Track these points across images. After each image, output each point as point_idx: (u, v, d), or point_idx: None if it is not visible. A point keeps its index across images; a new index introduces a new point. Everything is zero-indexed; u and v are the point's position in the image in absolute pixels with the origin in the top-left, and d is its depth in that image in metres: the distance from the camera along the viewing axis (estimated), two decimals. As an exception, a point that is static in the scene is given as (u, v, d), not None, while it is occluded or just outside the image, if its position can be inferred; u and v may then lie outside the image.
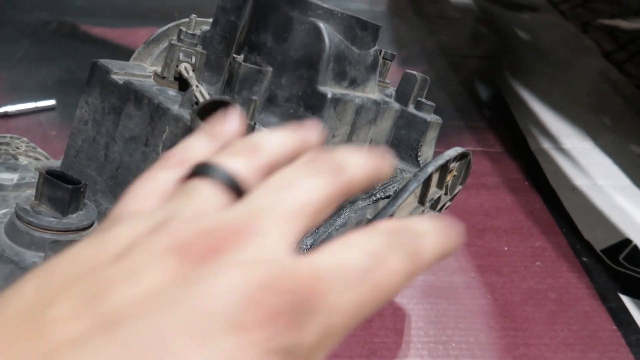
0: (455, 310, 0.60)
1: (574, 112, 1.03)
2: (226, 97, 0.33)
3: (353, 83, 0.46)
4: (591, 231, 0.75)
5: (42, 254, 0.36)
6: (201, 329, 0.14)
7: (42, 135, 0.78)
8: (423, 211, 0.46)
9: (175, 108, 0.39)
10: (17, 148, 0.50)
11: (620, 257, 0.72)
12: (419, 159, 0.57)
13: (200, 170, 0.19)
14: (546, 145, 0.93)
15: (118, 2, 1.26)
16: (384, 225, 0.18)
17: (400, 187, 0.51)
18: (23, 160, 0.48)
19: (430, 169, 0.42)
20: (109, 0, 1.26)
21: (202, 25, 0.51)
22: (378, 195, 0.51)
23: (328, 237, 0.46)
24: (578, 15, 1.54)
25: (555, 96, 1.09)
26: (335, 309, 0.16)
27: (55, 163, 0.49)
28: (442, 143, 0.62)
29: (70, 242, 0.36)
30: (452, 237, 0.20)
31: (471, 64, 1.22)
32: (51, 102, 0.84)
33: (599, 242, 0.73)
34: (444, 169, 0.46)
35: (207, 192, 0.19)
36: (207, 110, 0.34)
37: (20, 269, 0.35)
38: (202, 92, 0.38)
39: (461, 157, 0.49)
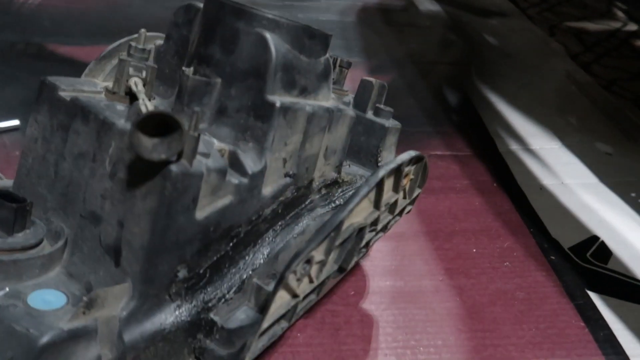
0: (424, 314, 0.60)
1: (541, 114, 1.04)
2: (164, 110, 0.33)
3: (304, 91, 0.46)
4: (559, 229, 0.75)
5: (-14, 275, 0.35)
6: None
7: (6, 156, 0.78)
8: (379, 216, 0.46)
9: (121, 122, 0.39)
10: (-30, 169, 0.49)
11: (588, 254, 0.72)
12: (379, 164, 0.57)
13: None
14: (514, 146, 0.94)
15: (86, 21, 1.25)
16: None
17: (358, 193, 0.51)
18: (-25, 182, 0.47)
19: (382, 173, 0.42)
20: (78, 19, 1.26)
21: (155, 39, 0.51)
22: (337, 202, 0.51)
23: (286, 246, 0.46)
24: (545, 19, 1.57)
25: (523, 98, 1.10)
26: None
27: (9, 183, 0.48)
28: (413, 148, 0.62)
29: (14, 262, 0.35)
30: None
31: (440, 71, 1.24)
32: (15, 122, 0.83)
33: (567, 240, 0.74)
34: (397, 172, 0.46)
35: None
36: (147, 123, 0.34)
37: (-38, 292, 0.34)
38: (147, 105, 0.38)
39: (416, 160, 0.49)
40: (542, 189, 0.84)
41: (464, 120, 1.02)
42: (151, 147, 0.34)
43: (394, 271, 0.66)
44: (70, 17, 1.26)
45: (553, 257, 0.71)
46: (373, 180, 0.41)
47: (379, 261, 0.66)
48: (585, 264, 0.71)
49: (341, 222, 0.39)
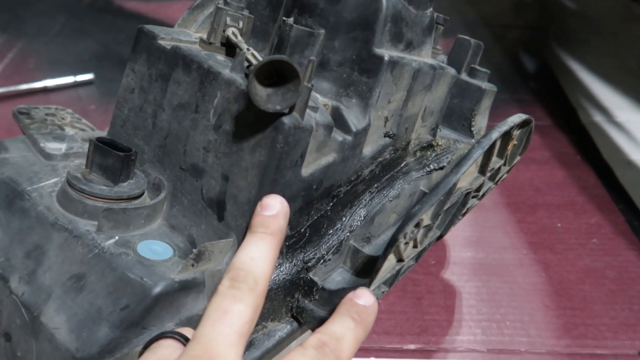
0: (507, 288, 0.57)
1: (626, 83, 0.97)
2: (284, 57, 0.31)
3: (409, 46, 0.43)
4: (650, 208, 0.71)
5: (95, 222, 0.35)
6: None
7: (82, 109, 0.78)
8: (483, 182, 0.43)
9: (226, 72, 0.37)
10: (63, 119, 0.49)
11: (682, 235, 0.68)
12: (472, 129, 0.54)
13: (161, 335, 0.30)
14: (598, 118, 0.88)
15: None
16: (311, 341, 0.29)
17: (454, 157, 0.49)
18: (69, 131, 0.47)
19: (495, 135, 0.39)
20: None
21: (246, -12, 0.48)
22: (432, 166, 0.49)
23: (382, 209, 0.44)
24: (627, -18, 1.45)
25: (606, 67, 1.03)
26: None
27: (101, 134, 0.48)
28: (490, 116, 0.58)
29: (123, 211, 0.35)
30: (368, 325, 0.32)
31: (514, 35, 1.17)
32: (89, 76, 0.84)
33: (659, 219, 0.69)
34: (506, 137, 0.43)
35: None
36: (263, 72, 0.32)
37: (74, 237, 0.34)
38: (255, 54, 0.36)
39: (523, 124, 0.46)
40: (630, 164, 0.79)
41: (542, 88, 0.96)
42: (266, 97, 0.32)
43: (474, 242, 0.63)
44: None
45: (644, 237, 0.66)
46: (486, 142, 0.39)
47: (459, 231, 0.64)
48: (679, 245, 0.66)
49: (454, 185, 0.37)
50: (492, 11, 1.24)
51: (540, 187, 0.73)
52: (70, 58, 0.91)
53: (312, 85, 0.34)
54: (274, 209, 0.33)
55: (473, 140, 0.53)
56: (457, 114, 0.54)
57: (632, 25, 1.22)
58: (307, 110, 0.36)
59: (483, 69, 0.54)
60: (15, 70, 0.87)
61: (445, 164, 0.49)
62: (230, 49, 0.43)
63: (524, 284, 0.58)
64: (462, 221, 0.65)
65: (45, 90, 0.81)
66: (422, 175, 0.48)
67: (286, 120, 0.34)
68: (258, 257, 0.31)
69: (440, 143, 0.50)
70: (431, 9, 0.45)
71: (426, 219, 0.38)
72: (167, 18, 1.05)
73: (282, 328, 0.39)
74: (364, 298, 0.33)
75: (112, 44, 0.94)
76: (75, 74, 0.83)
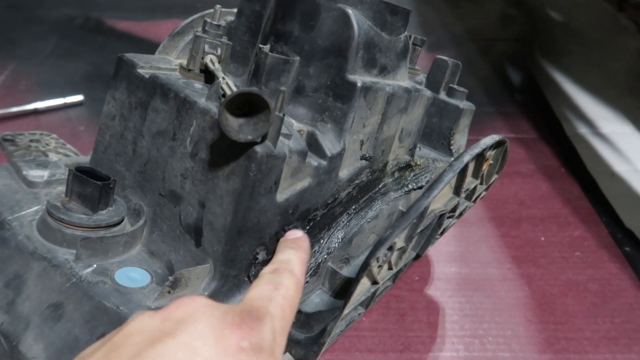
0: (491, 303, 0.58)
1: (611, 95, 0.98)
2: (254, 89, 0.32)
3: (383, 70, 0.44)
4: (633, 219, 0.71)
5: (74, 251, 0.35)
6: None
7: (71, 131, 0.79)
8: (458, 202, 0.44)
9: (202, 101, 0.38)
10: (47, 145, 0.50)
11: (665, 246, 0.68)
12: (451, 147, 0.55)
13: None
14: (583, 130, 0.89)
15: (142, -4, 1.26)
16: (265, 270, 0.33)
17: (433, 177, 0.49)
18: (53, 157, 0.48)
19: (467, 158, 0.40)
20: (132, -5, 1.27)
21: (226, 15, 0.50)
22: (410, 186, 0.49)
23: (360, 230, 0.45)
24: (613, -7, 1.47)
25: (591, 78, 1.04)
26: (273, 315, 0.29)
27: (85, 159, 0.49)
28: (474, 130, 0.60)
29: (101, 239, 0.36)
30: (305, 248, 0.37)
31: (501, 48, 1.18)
32: (79, 98, 0.85)
33: (642, 231, 0.70)
34: (480, 157, 0.44)
35: None
36: (234, 103, 0.33)
37: (52, 266, 0.35)
38: (229, 84, 0.37)
39: (497, 144, 0.47)
40: (614, 176, 0.80)
41: (528, 101, 0.97)
42: (237, 127, 0.33)
43: (459, 257, 0.64)
44: (126, -8, 1.27)
45: (627, 249, 0.67)
46: (458, 165, 0.39)
47: (443, 247, 0.65)
48: (662, 256, 0.67)
49: (426, 209, 0.37)
50: (479, 25, 1.25)
51: (524, 201, 0.73)
52: (61, 79, 0.92)
53: (283, 115, 0.35)
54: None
55: (452, 159, 0.53)
56: (437, 133, 0.55)
57: (618, 37, 1.23)
58: (280, 138, 0.37)
59: (461, 89, 0.55)
60: (6, 92, 0.89)
61: (423, 184, 0.50)
62: (209, 75, 0.44)
63: (507, 298, 0.59)
64: (447, 236, 0.66)
65: (35, 112, 0.82)
66: (400, 196, 0.48)
67: (258, 149, 0.34)
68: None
69: (419, 163, 0.51)
70: (405, 33, 0.46)
71: (399, 241, 0.38)
72: (157, 37, 1.06)
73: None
74: (294, 233, 0.38)
75: (103, 65, 0.95)
76: (65, 95, 0.84)
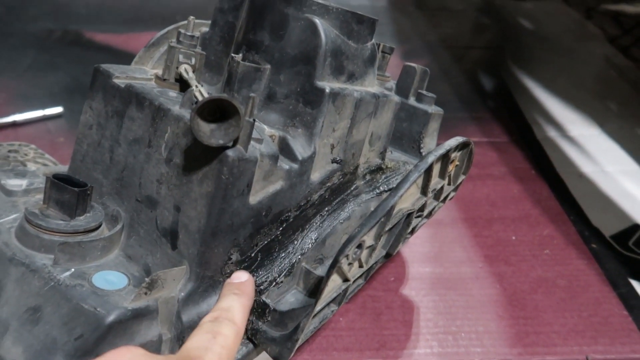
0: (464, 300, 0.60)
1: (579, 99, 1.02)
2: (224, 95, 0.34)
3: (351, 77, 0.46)
4: (600, 217, 0.74)
5: (52, 256, 0.36)
6: None
7: (50, 142, 0.80)
8: (426, 202, 0.46)
9: (176, 109, 0.39)
10: (26, 155, 0.51)
11: (630, 243, 0.71)
12: (421, 150, 0.57)
13: None
14: (552, 133, 0.93)
15: (121, 8, 1.27)
16: (206, 319, 0.35)
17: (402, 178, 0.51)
18: (31, 167, 0.49)
19: (431, 159, 0.42)
20: (111, 7, 1.28)
21: (201, 27, 0.51)
22: (381, 188, 0.51)
23: (333, 231, 0.46)
24: (582, 1, 1.53)
25: (560, 84, 1.08)
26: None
27: (63, 168, 0.50)
28: (447, 135, 0.62)
29: (79, 244, 0.37)
30: (249, 294, 0.38)
31: (474, 55, 1.22)
32: (58, 110, 0.85)
33: (608, 228, 0.73)
34: (445, 158, 0.46)
35: None
36: (206, 109, 0.34)
37: (30, 271, 0.36)
38: (202, 91, 0.39)
39: (462, 146, 0.49)
40: (581, 177, 0.83)
41: (500, 106, 1.01)
42: (209, 132, 0.35)
43: (433, 258, 0.66)
44: (104, 4, 1.28)
45: (594, 245, 0.70)
46: (423, 165, 0.41)
47: (417, 247, 0.67)
48: (627, 252, 0.70)
49: (392, 207, 0.39)
50: (453, 33, 1.29)
51: (496, 202, 0.76)
52: (40, 92, 0.92)
53: (254, 120, 0.37)
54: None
55: (421, 161, 0.55)
56: (407, 137, 0.57)
57: (585, 44, 1.28)
58: (252, 142, 0.38)
59: (429, 94, 0.57)
60: (-16, 105, 0.89)
61: (394, 185, 0.51)
62: (184, 84, 0.45)
63: (479, 296, 0.61)
64: (421, 237, 0.68)
65: (14, 124, 0.82)
66: (372, 197, 0.50)
67: (230, 153, 0.36)
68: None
69: (389, 165, 0.53)
70: (372, 41, 0.48)
71: (368, 239, 0.40)
72: (137, 49, 1.07)
73: (239, 350, 0.41)
74: (239, 276, 0.39)
75: (82, 77, 0.96)
76: (44, 107, 0.85)
